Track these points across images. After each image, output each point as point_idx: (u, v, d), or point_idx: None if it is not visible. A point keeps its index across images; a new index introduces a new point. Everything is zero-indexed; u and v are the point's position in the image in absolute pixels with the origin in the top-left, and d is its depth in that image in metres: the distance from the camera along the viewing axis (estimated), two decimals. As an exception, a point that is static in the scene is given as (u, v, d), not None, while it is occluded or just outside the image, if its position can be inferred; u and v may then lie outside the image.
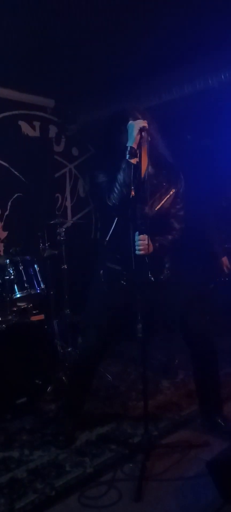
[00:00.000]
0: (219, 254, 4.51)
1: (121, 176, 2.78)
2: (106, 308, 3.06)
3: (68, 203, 6.36)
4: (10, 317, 3.90)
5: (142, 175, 2.85)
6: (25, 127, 5.75)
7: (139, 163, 2.81)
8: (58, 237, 4.49)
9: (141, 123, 2.80)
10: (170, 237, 3.03)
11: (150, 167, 2.90)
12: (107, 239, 2.98)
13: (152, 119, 2.97)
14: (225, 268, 4.50)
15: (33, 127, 5.85)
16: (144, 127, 2.78)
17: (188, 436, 3.09)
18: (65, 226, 4.48)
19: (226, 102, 4.85)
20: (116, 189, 2.80)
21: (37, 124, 5.89)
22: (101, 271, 3.08)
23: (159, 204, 2.95)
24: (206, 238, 4.47)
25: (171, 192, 2.99)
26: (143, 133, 2.78)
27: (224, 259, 4.52)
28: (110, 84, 5.12)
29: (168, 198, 2.98)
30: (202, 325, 3.10)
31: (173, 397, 3.82)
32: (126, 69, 4.88)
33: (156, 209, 2.93)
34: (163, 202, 2.96)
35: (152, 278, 2.95)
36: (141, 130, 2.77)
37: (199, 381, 3.22)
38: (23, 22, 3.94)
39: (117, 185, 2.79)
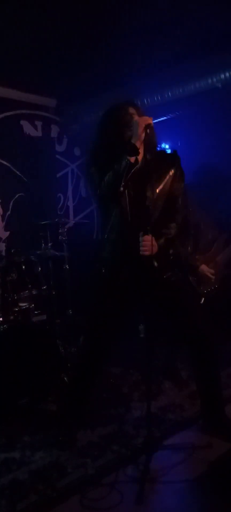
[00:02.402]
0: (195, 266, 4.42)
1: (117, 168, 2.75)
2: (108, 308, 3.04)
3: (70, 203, 6.35)
4: (12, 317, 3.89)
5: (139, 163, 2.81)
6: (27, 127, 5.75)
7: (139, 161, 2.77)
8: (60, 237, 4.48)
9: (147, 120, 2.77)
10: (173, 224, 3.01)
11: (148, 155, 2.89)
12: (106, 235, 2.97)
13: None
14: (209, 275, 4.39)
15: (35, 127, 5.85)
16: (149, 124, 2.75)
17: (190, 438, 3.08)
18: (67, 226, 4.47)
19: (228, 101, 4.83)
20: (106, 181, 2.79)
21: (39, 123, 5.89)
22: (103, 270, 3.07)
23: (159, 185, 2.94)
24: (177, 254, 4.31)
25: (170, 173, 2.98)
26: (148, 130, 2.74)
27: (203, 267, 4.41)
28: (112, 83, 5.11)
29: (167, 179, 2.97)
30: (203, 329, 3.08)
31: (176, 398, 3.80)
32: (128, 69, 4.87)
33: (157, 190, 2.92)
34: (163, 183, 2.95)
35: (155, 263, 2.92)
36: (146, 127, 2.74)
37: (200, 382, 3.20)
38: (25, 21, 3.94)
39: (110, 176, 2.77)
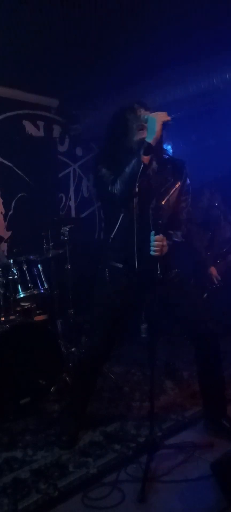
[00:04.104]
0: (207, 263, 4.45)
1: (128, 169, 2.69)
2: (111, 308, 3.03)
3: (72, 203, 6.36)
4: (13, 317, 3.90)
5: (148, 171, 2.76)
6: (29, 127, 5.76)
7: (151, 161, 2.70)
8: (62, 237, 4.48)
9: (164, 116, 2.63)
10: (180, 233, 3.00)
11: (154, 163, 2.85)
12: (112, 237, 2.95)
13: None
14: (214, 279, 4.43)
15: (37, 127, 5.86)
16: (167, 121, 2.63)
17: (192, 437, 3.07)
18: (69, 225, 4.47)
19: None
20: (120, 181, 2.72)
21: (41, 123, 5.90)
22: (106, 270, 3.06)
23: (165, 197, 2.89)
24: (192, 247, 4.36)
25: (177, 186, 2.94)
26: (164, 131, 2.62)
27: (212, 269, 4.44)
28: (113, 84, 5.12)
29: (174, 192, 2.92)
30: (208, 325, 3.08)
31: (177, 398, 3.80)
32: (130, 69, 4.87)
33: (162, 203, 2.89)
34: (169, 196, 2.90)
35: (161, 276, 2.91)
36: (164, 125, 2.62)
37: (203, 381, 3.19)
38: (27, 22, 3.94)
39: (123, 177, 2.71)
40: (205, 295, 4.40)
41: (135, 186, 2.66)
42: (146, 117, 2.71)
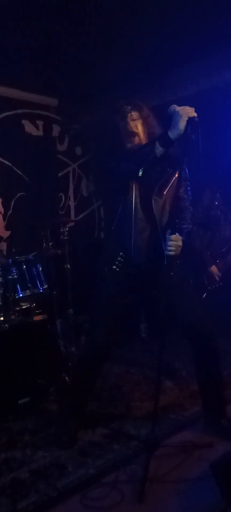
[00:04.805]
0: (208, 262, 4.47)
1: (140, 153, 2.66)
2: (111, 306, 3.02)
3: (71, 203, 6.35)
4: (13, 317, 3.89)
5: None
6: (28, 126, 5.74)
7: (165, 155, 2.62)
8: (61, 237, 4.47)
9: (190, 112, 2.51)
10: (186, 225, 2.99)
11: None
12: (113, 228, 2.94)
13: (148, 109, 2.93)
14: (216, 277, 4.46)
15: (37, 126, 5.85)
16: (193, 118, 2.51)
17: (191, 437, 3.07)
18: (68, 225, 4.46)
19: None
20: (132, 161, 2.69)
21: (40, 123, 5.88)
22: (106, 269, 3.05)
23: (166, 188, 2.89)
24: (192, 247, 4.37)
25: (176, 175, 2.92)
26: (189, 128, 2.48)
27: (213, 268, 4.48)
28: (113, 83, 5.11)
29: (173, 181, 2.91)
30: (207, 325, 3.07)
31: (176, 398, 3.79)
32: (130, 69, 4.87)
33: (164, 193, 2.88)
34: (169, 185, 2.89)
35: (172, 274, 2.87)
36: (190, 121, 2.50)
37: (202, 381, 3.19)
38: (27, 22, 3.93)
39: (135, 158, 2.68)
40: (205, 295, 4.40)
41: (139, 169, 2.61)
42: (172, 110, 2.61)
